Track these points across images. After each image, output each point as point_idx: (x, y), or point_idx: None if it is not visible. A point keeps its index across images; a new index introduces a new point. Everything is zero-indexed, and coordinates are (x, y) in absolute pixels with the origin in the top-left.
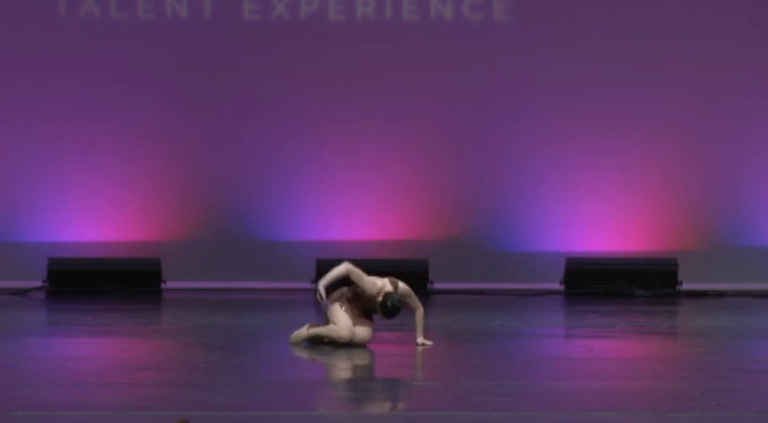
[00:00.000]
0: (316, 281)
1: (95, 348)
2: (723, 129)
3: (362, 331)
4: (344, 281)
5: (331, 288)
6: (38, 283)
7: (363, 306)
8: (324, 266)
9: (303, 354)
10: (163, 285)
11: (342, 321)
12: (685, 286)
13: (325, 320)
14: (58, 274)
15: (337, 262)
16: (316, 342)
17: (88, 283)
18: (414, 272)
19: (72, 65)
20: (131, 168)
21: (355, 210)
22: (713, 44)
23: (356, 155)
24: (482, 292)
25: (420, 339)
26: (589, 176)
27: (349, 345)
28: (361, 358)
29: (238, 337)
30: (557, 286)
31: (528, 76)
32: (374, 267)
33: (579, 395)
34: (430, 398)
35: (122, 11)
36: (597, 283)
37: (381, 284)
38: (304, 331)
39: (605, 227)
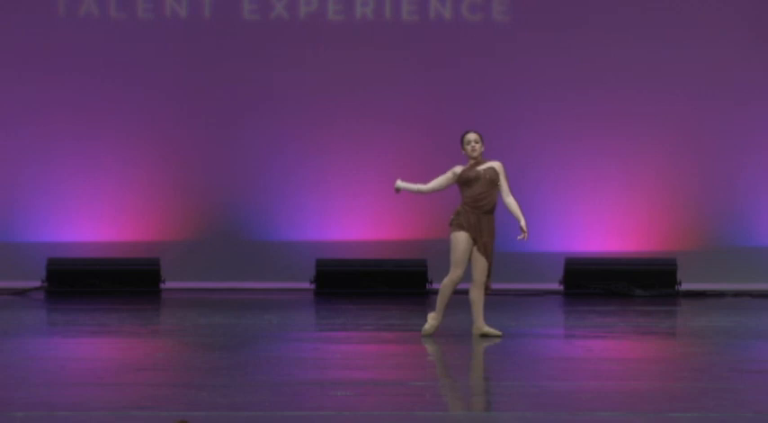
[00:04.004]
0: (315, 281)
1: (95, 349)
2: (722, 129)
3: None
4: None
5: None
6: (37, 284)
7: (479, 202)
8: (323, 266)
9: (302, 354)
10: (162, 285)
11: (456, 257)
12: (684, 286)
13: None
14: (57, 274)
15: (337, 262)
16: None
17: (87, 284)
18: (413, 272)
19: (71, 65)
20: (130, 169)
21: (354, 210)
22: (713, 44)
23: (355, 155)
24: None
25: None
26: (588, 177)
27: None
28: (360, 358)
29: (238, 338)
30: (556, 286)
31: (527, 77)
32: (373, 267)
33: (579, 395)
34: (430, 398)
35: (121, 11)
36: (596, 284)
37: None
38: (432, 321)
39: (604, 227)
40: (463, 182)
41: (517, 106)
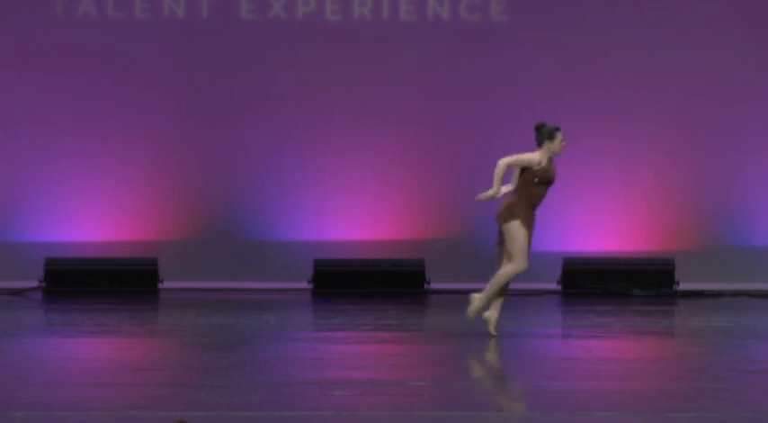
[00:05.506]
0: (313, 281)
1: (93, 348)
2: (720, 129)
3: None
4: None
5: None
6: (35, 284)
7: (539, 202)
8: (321, 266)
9: (300, 354)
10: (160, 285)
11: (521, 248)
12: (682, 286)
13: (499, 243)
14: (55, 274)
15: (335, 262)
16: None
17: (85, 284)
18: (410, 272)
19: (69, 64)
20: (128, 168)
21: (352, 210)
22: (711, 44)
23: (353, 155)
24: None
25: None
26: (586, 176)
27: None
28: (358, 358)
29: (235, 338)
30: (554, 286)
31: (525, 77)
32: (371, 267)
33: (577, 395)
34: (428, 398)
35: (119, 11)
36: (594, 283)
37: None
38: (476, 302)
39: (602, 227)
40: (538, 178)
41: (515, 106)
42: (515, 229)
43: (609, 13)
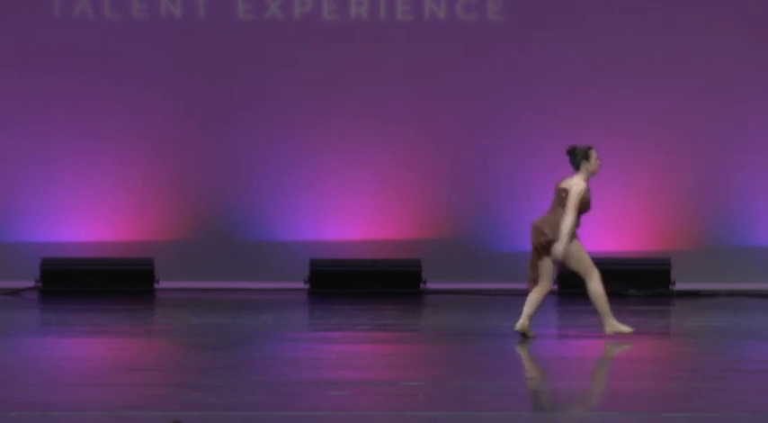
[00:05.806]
0: (309, 281)
1: (88, 348)
2: (719, 129)
3: None
4: None
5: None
6: (31, 284)
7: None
8: (318, 266)
9: (297, 354)
10: (156, 285)
11: (589, 261)
12: (678, 286)
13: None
14: (50, 274)
15: (331, 262)
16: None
17: (81, 284)
18: (407, 272)
19: (66, 64)
20: (125, 168)
21: (349, 210)
22: (711, 44)
23: (350, 155)
24: (476, 293)
25: None
26: None
27: None
28: (355, 358)
29: (232, 338)
30: None
31: (522, 77)
32: (368, 267)
33: (574, 395)
34: (425, 398)
35: (116, 11)
36: None
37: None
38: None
39: (599, 227)
40: (584, 203)
41: (513, 106)
42: (576, 249)
43: (609, 13)
